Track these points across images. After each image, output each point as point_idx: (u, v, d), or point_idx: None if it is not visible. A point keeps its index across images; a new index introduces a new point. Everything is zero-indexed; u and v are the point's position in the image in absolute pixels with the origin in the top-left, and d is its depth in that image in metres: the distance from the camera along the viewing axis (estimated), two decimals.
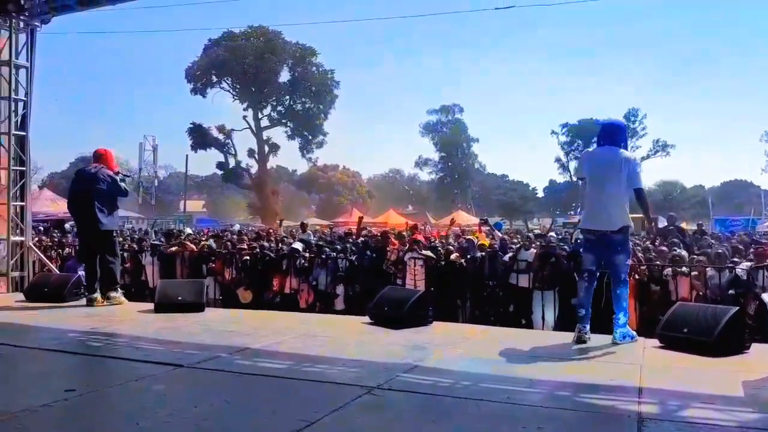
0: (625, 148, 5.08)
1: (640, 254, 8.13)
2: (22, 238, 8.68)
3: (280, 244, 10.73)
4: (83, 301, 7.09)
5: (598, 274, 5.13)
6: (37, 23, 8.52)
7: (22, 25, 8.43)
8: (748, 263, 7.18)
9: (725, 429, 2.88)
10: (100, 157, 7.21)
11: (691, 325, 4.60)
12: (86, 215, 6.91)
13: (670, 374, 4.01)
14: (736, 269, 6.99)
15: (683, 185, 63.58)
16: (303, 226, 13.23)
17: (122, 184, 7.19)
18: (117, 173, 7.24)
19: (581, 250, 5.22)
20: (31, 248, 8.81)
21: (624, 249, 4.96)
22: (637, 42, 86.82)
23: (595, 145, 5.35)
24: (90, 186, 6.92)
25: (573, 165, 54.11)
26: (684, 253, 7.85)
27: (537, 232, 13.05)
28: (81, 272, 7.74)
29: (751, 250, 8.44)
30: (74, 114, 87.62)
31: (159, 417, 3.07)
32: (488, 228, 12.06)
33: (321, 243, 10.31)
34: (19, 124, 8.52)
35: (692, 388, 3.57)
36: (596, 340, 4.98)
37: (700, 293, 6.92)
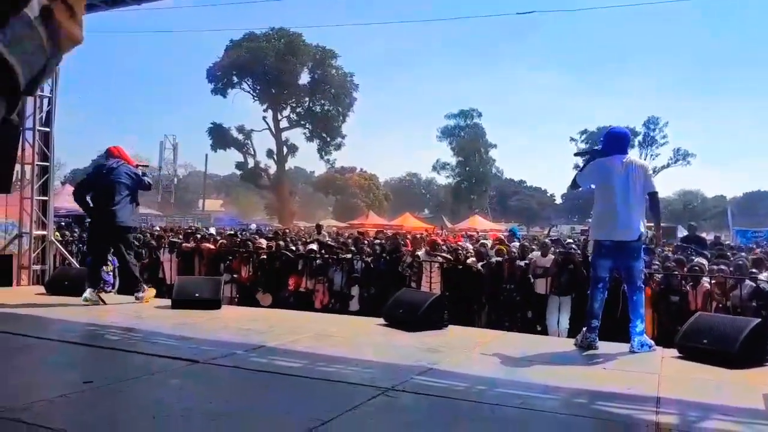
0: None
1: (656, 264, 8.00)
2: (45, 232, 8.82)
3: (296, 244, 10.77)
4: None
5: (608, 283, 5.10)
6: None
7: None
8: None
9: None
10: (114, 153, 7.04)
11: (712, 336, 4.52)
12: (106, 210, 6.83)
13: (689, 385, 3.94)
14: (759, 280, 6.86)
15: (704, 195, 62.80)
16: (318, 228, 13.32)
17: (145, 179, 7.18)
18: (137, 166, 7.21)
19: (595, 257, 5.14)
20: (52, 242, 8.95)
21: (639, 256, 5.00)
22: (659, 47, 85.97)
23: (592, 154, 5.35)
24: (112, 180, 6.82)
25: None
26: (704, 261, 7.74)
27: (553, 237, 13.07)
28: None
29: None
30: (96, 112, 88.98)
31: (174, 411, 3.10)
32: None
33: (333, 244, 10.35)
34: (43, 120, 8.66)
35: (711, 399, 3.51)
36: (613, 348, 4.93)
37: (720, 304, 6.81)
